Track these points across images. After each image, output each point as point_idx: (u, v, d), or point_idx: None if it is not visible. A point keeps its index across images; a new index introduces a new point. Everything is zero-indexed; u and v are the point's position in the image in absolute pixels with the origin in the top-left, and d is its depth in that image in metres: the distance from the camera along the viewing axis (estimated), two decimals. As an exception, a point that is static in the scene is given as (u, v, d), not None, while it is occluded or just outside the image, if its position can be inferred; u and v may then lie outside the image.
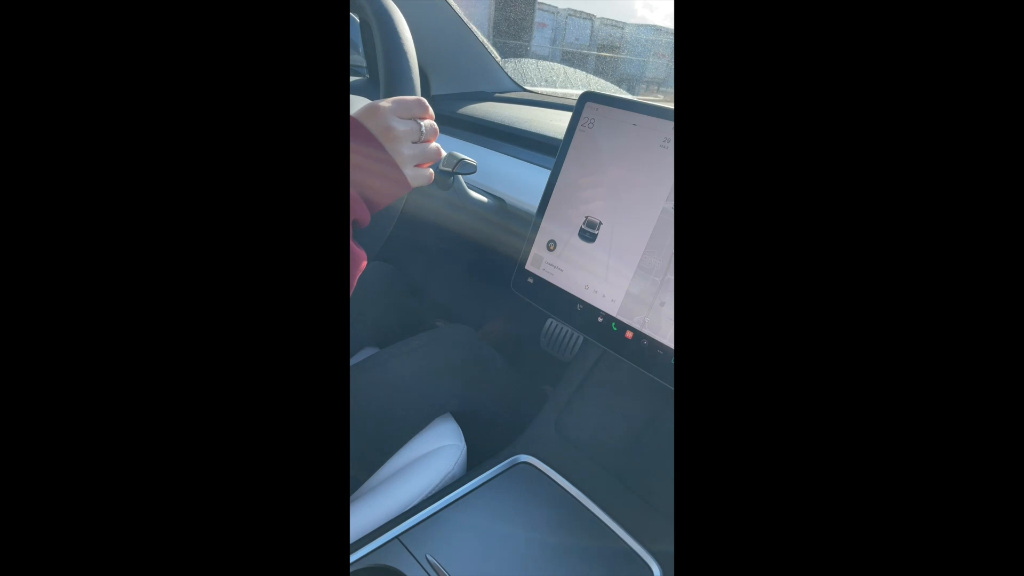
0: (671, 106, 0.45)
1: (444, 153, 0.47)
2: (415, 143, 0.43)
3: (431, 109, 0.44)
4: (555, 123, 0.78)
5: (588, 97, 0.51)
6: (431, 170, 0.45)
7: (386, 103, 0.42)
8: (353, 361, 0.69)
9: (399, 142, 0.42)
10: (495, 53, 0.99)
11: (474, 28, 0.92)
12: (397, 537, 0.46)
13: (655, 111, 0.46)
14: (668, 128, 0.45)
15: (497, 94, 0.99)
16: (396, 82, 0.51)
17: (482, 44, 0.95)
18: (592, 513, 0.51)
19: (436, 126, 0.45)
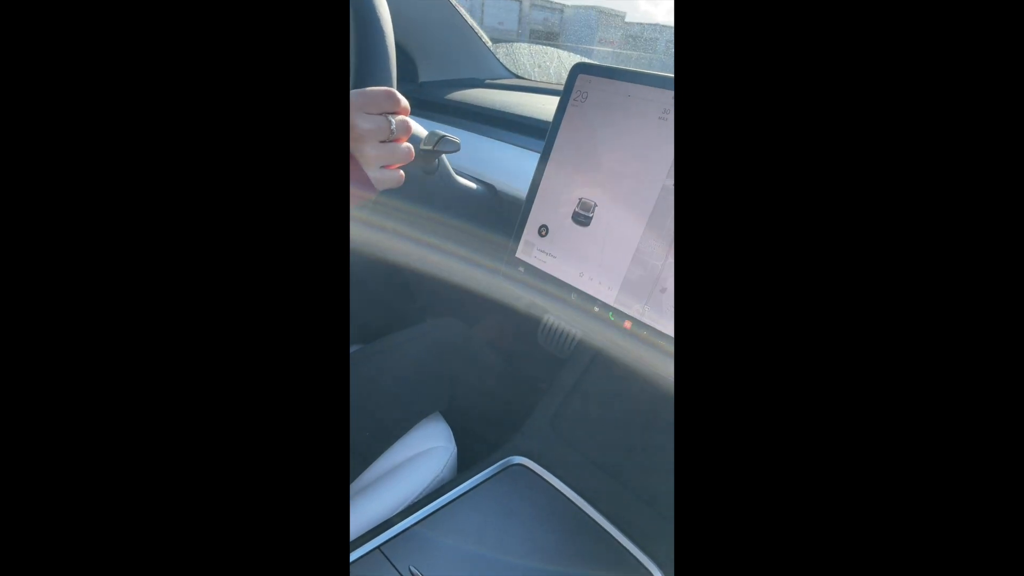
0: (670, 74, 0.41)
1: (415, 155, 0.42)
2: (383, 142, 0.39)
3: (404, 101, 0.40)
4: (548, 107, 0.75)
5: (580, 69, 0.47)
6: (401, 171, 0.41)
7: (351, 96, 0.38)
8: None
9: (363, 141, 0.37)
10: (485, 38, 0.95)
11: (463, 11, 0.89)
12: (378, 548, 0.43)
13: (652, 80, 0.42)
14: (667, 98, 0.41)
15: (488, 80, 0.95)
16: (367, 69, 0.45)
17: (472, 28, 0.91)
18: (590, 518, 0.48)
19: (408, 122, 0.41)
